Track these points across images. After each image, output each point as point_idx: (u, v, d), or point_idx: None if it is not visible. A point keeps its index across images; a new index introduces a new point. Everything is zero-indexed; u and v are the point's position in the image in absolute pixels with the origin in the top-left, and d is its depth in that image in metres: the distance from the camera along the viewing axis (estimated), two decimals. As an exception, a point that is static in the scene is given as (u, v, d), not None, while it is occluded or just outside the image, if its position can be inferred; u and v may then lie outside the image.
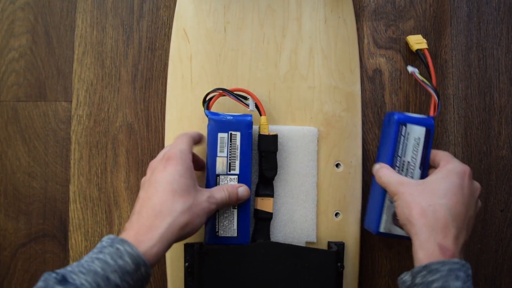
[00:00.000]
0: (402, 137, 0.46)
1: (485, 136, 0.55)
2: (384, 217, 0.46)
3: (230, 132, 0.46)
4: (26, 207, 0.53)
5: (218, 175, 0.46)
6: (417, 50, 0.52)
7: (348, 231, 0.51)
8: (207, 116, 0.46)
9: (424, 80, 0.48)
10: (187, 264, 0.46)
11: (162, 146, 0.53)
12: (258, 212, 0.48)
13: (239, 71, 0.51)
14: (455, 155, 0.54)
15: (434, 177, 0.42)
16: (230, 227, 0.46)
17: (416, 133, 0.46)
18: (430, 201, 0.39)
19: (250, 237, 0.47)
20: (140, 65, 0.54)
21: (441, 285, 0.34)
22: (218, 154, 0.46)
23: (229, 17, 0.52)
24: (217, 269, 0.45)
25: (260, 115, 0.48)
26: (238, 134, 0.46)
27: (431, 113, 0.48)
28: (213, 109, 0.47)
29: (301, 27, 0.52)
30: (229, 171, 0.46)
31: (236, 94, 0.48)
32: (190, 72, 0.51)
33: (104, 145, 0.53)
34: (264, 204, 0.48)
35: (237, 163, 0.46)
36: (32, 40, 0.54)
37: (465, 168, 0.42)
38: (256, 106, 0.48)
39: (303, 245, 0.49)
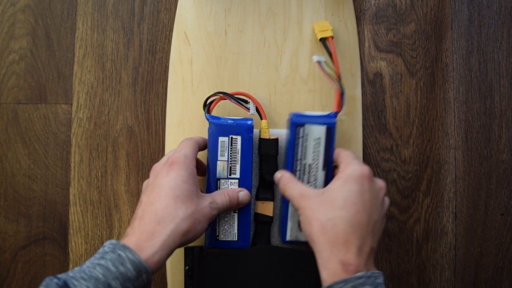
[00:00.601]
0: (300, 139, 0.45)
1: (486, 140, 0.55)
2: (290, 225, 0.46)
3: (230, 136, 0.46)
4: (26, 210, 0.53)
5: (219, 179, 0.46)
6: (321, 39, 0.49)
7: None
8: (207, 119, 0.46)
9: (330, 72, 0.46)
10: (187, 267, 0.46)
11: (163, 149, 0.53)
12: (258, 216, 0.48)
13: (239, 74, 0.51)
14: (455, 158, 0.54)
15: (333, 185, 0.40)
16: (230, 231, 0.46)
17: (315, 134, 0.44)
18: (329, 214, 0.38)
19: (250, 241, 0.47)
20: (141, 68, 0.54)
21: None
22: (219, 158, 0.46)
23: (230, 20, 0.52)
24: (217, 272, 0.45)
25: (261, 118, 0.48)
26: (239, 138, 0.46)
27: (335, 109, 0.46)
28: (214, 112, 0.47)
29: (302, 31, 0.52)
30: (230, 175, 0.46)
31: (236, 97, 0.48)
32: (191, 75, 0.51)
33: (104, 148, 0.53)
34: (265, 208, 0.48)
35: (238, 167, 0.46)
36: (33, 43, 0.54)
37: (364, 171, 0.39)
38: (257, 110, 0.48)
39: (303, 249, 0.49)
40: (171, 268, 0.49)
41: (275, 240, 0.49)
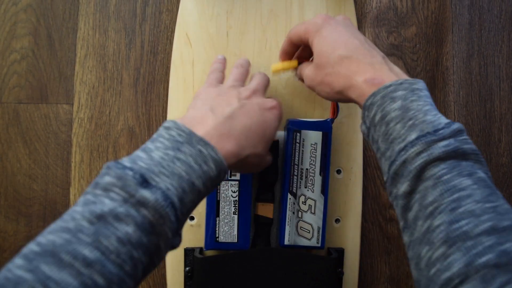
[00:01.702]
0: (297, 144, 0.45)
1: (485, 143, 0.55)
2: (288, 229, 0.46)
3: None
4: (26, 209, 0.53)
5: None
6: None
7: (348, 237, 0.51)
8: None
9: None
10: (187, 268, 0.46)
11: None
12: (258, 218, 0.48)
13: (241, 76, 0.51)
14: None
15: (315, 51, 0.40)
16: (230, 232, 0.46)
17: (312, 139, 0.45)
18: (332, 44, 0.38)
19: (250, 242, 0.47)
20: (142, 68, 0.54)
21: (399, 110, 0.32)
22: (219, 159, 0.46)
23: (231, 22, 0.52)
24: (216, 274, 0.46)
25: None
26: None
27: (331, 115, 0.47)
28: None
29: (303, 33, 0.52)
30: (230, 176, 0.46)
31: None
32: (192, 77, 0.51)
33: (105, 148, 0.53)
34: (265, 209, 0.48)
35: (238, 168, 0.46)
36: (34, 42, 0.54)
37: (319, 18, 0.40)
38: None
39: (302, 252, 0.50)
40: (171, 269, 0.50)
41: (275, 242, 0.49)
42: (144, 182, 0.28)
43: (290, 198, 0.46)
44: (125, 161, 0.30)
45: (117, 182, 0.28)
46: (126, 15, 0.54)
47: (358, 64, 0.36)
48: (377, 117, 0.33)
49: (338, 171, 0.51)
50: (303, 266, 0.46)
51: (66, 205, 0.53)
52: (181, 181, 0.30)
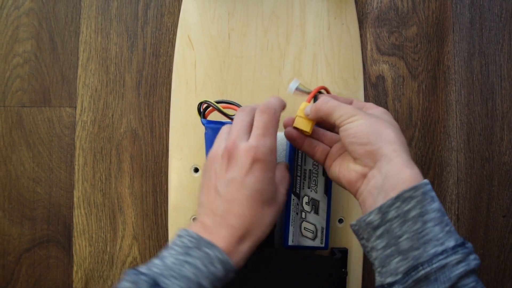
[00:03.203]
0: None
1: (488, 142, 0.55)
2: (291, 230, 0.46)
3: None
4: (31, 213, 0.53)
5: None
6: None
7: (351, 237, 0.51)
8: (203, 124, 0.46)
9: (309, 89, 0.44)
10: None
11: (166, 152, 0.53)
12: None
13: (243, 78, 0.52)
14: (457, 160, 0.55)
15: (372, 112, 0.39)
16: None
17: None
18: (388, 125, 0.36)
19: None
20: (145, 71, 0.54)
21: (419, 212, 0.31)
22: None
23: (233, 24, 0.52)
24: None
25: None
26: None
27: None
28: (211, 116, 0.47)
29: (304, 34, 0.52)
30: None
31: (224, 112, 0.45)
32: (195, 79, 0.51)
33: (108, 151, 0.54)
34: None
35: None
36: (37, 46, 0.54)
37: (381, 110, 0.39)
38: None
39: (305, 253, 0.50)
40: (175, 270, 0.50)
41: (278, 243, 0.49)
42: (156, 285, 0.31)
43: (293, 199, 0.46)
44: (142, 268, 0.33)
45: (132, 286, 0.31)
46: (128, 18, 0.54)
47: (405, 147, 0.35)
48: (413, 213, 0.32)
49: (341, 171, 0.51)
50: (307, 266, 0.46)
51: (69, 208, 0.53)
52: (189, 283, 0.32)
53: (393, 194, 0.32)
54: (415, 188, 0.32)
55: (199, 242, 0.34)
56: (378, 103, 0.54)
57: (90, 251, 0.53)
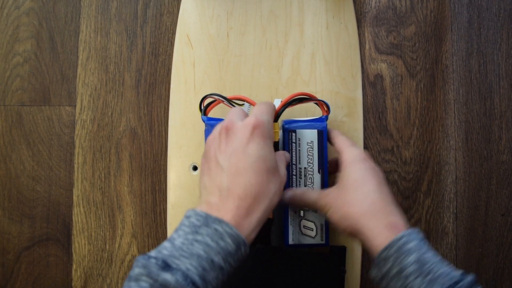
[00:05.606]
0: (293, 144, 0.46)
1: (486, 141, 0.55)
2: (291, 229, 0.46)
3: None
4: (30, 211, 0.54)
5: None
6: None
7: (349, 235, 0.51)
8: (204, 121, 0.46)
9: (303, 96, 0.46)
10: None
11: (165, 151, 0.53)
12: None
13: (241, 76, 0.52)
14: (456, 159, 0.55)
15: (345, 172, 0.41)
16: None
17: (307, 137, 0.45)
18: (357, 194, 0.39)
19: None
20: (144, 70, 0.54)
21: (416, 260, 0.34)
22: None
23: (232, 23, 0.52)
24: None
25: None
26: None
27: (324, 113, 0.47)
28: (211, 113, 0.47)
29: (303, 33, 0.52)
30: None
31: (232, 101, 0.46)
32: (193, 78, 0.52)
33: (107, 149, 0.54)
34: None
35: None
36: (37, 45, 0.55)
37: (364, 154, 0.42)
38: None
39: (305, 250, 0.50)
40: (173, 268, 0.50)
41: (276, 241, 0.49)
42: (166, 266, 0.31)
43: None
44: (152, 252, 0.32)
45: (143, 271, 0.30)
46: (127, 18, 0.55)
47: (384, 206, 0.38)
48: (394, 271, 0.34)
49: (339, 170, 0.51)
50: (305, 264, 0.46)
51: (69, 206, 0.54)
52: (200, 260, 0.32)
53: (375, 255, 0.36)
54: (388, 248, 0.34)
55: (207, 220, 0.33)
56: (377, 101, 0.55)
57: (89, 249, 0.53)
